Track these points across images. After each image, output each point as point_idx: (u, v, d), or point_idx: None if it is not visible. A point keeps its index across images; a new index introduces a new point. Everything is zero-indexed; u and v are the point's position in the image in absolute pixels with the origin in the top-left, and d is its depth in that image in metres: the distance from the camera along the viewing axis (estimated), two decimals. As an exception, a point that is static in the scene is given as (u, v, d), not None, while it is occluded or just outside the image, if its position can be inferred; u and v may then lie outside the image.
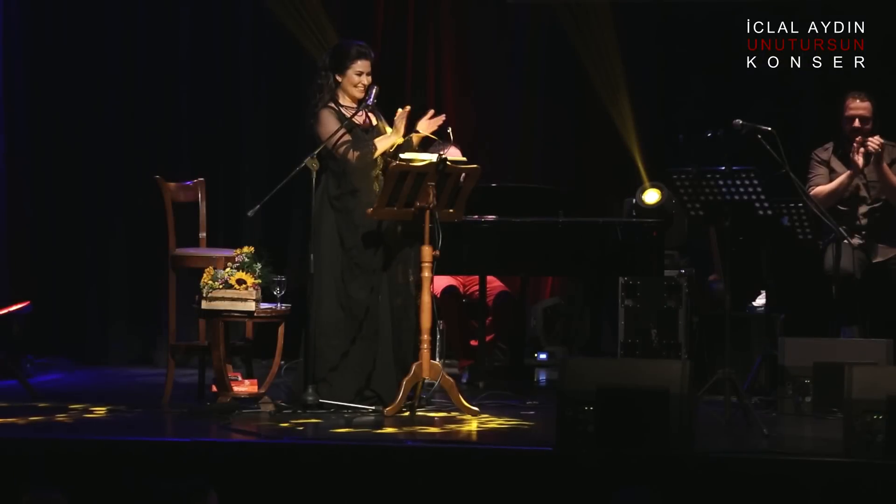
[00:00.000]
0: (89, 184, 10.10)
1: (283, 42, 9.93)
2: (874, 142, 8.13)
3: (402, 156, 7.48)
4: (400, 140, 7.59)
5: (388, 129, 7.71)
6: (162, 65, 10.13)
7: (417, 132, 7.66)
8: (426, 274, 7.46)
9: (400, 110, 7.60)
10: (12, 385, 8.26)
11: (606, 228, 8.47)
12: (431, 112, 7.67)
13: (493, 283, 8.99)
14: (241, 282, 7.51)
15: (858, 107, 8.24)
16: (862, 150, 8.16)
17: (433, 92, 10.18)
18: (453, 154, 8.38)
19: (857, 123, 8.23)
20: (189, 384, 8.27)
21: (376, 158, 7.59)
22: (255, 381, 7.74)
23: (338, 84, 7.71)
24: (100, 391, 8.48)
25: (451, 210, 7.57)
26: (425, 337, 7.45)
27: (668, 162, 8.52)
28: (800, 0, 9.78)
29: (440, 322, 8.89)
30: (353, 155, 7.58)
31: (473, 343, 8.93)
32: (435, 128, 7.66)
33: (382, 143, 7.61)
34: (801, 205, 7.85)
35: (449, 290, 8.96)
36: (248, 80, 10.16)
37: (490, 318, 8.97)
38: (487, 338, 8.93)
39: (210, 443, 6.60)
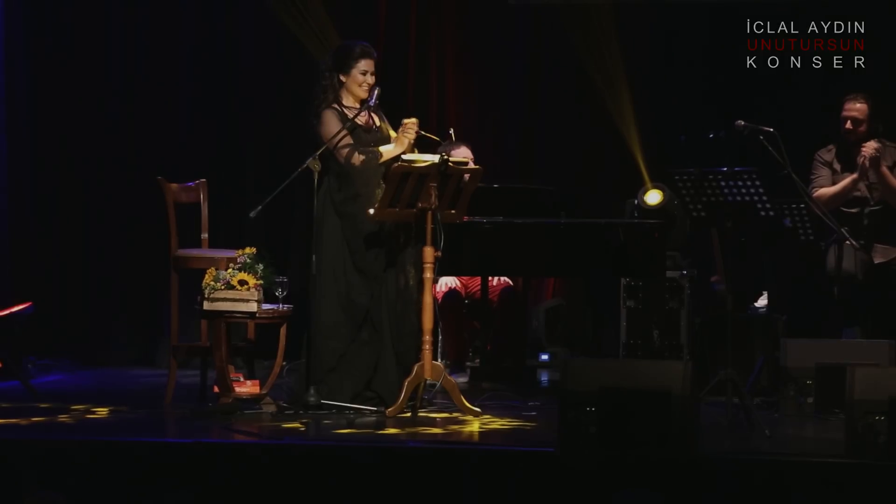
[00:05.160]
0: (91, 185, 10.11)
1: (285, 42, 9.93)
2: (868, 147, 8.14)
3: (403, 157, 7.48)
4: (402, 151, 7.58)
5: (392, 132, 7.71)
6: (164, 65, 10.13)
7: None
8: (428, 275, 7.46)
9: (406, 120, 7.58)
10: (14, 386, 8.27)
11: (608, 229, 8.46)
12: (405, 122, 7.64)
13: (499, 279, 8.98)
14: (242, 283, 7.51)
15: (851, 109, 8.26)
16: (868, 154, 8.16)
17: (435, 93, 10.18)
18: (463, 154, 8.40)
19: (848, 125, 8.25)
20: (191, 385, 8.27)
21: (381, 165, 7.58)
22: (257, 381, 7.74)
23: (341, 84, 7.72)
24: (101, 392, 8.48)
25: (452, 211, 7.57)
26: (427, 338, 7.45)
27: (669, 163, 8.51)
28: (800, 0, 9.77)
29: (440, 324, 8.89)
30: (357, 159, 7.57)
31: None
32: (413, 131, 7.60)
33: (387, 153, 7.60)
34: (802, 206, 7.85)
35: (450, 295, 8.93)
36: (251, 80, 10.16)
37: (495, 314, 8.93)
38: (488, 346, 8.92)
39: (212, 444, 6.60)
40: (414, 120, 7.60)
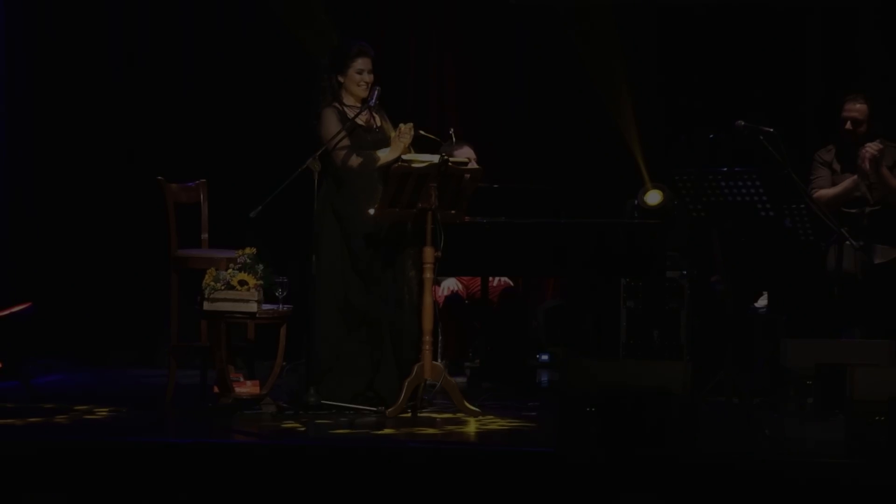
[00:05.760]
0: (91, 185, 10.11)
1: (286, 42, 9.93)
2: (871, 148, 8.14)
3: (404, 157, 7.48)
4: (397, 155, 7.57)
5: (393, 132, 7.71)
6: (164, 65, 10.13)
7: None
8: (428, 275, 7.46)
9: (402, 125, 7.58)
10: (14, 386, 8.27)
11: (608, 229, 8.46)
12: (400, 127, 7.64)
13: (500, 280, 8.98)
14: (242, 283, 7.51)
15: (851, 109, 8.26)
16: (868, 156, 8.16)
17: (435, 92, 10.18)
18: (466, 154, 8.40)
19: (848, 125, 8.25)
20: (191, 385, 8.26)
21: (378, 168, 7.58)
22: (257, 382, 7.74)
23: (340, 84, 7.72)
24: (101, 392, 8.48)
25: (452, 211, 7.56)
26: (427, 338, 7.45)
27: (670, 163, 8.52)
28: (800, 0, 9.78)
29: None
30: (354, 161, 7.58)
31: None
32: (409, 137, 7.60)
33: (383, 157, 7.60)
34: (802, 206, 7.85)
35: (452, 298, 8.92)
36: (251, 80, 10.16)
37: (495, 314, 8.93)
38: (488, 346, 8.91)
39: (212, 444, 6.60)
40: (410, 125, 7.59)
